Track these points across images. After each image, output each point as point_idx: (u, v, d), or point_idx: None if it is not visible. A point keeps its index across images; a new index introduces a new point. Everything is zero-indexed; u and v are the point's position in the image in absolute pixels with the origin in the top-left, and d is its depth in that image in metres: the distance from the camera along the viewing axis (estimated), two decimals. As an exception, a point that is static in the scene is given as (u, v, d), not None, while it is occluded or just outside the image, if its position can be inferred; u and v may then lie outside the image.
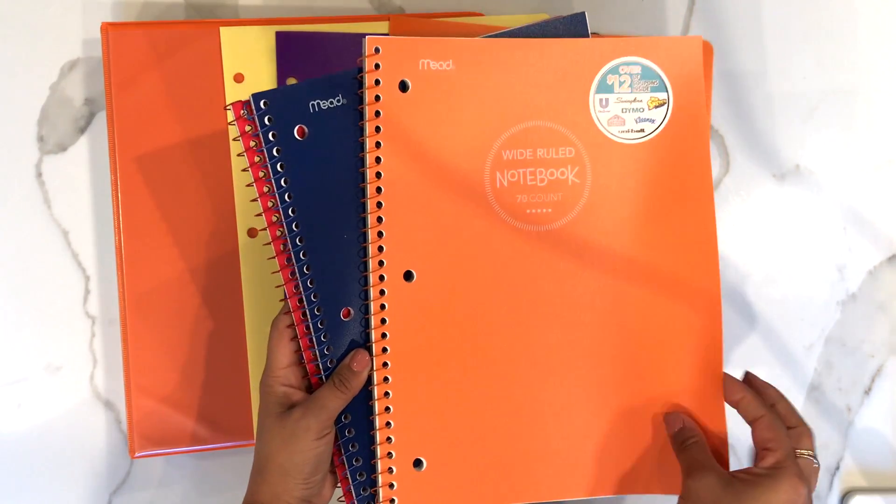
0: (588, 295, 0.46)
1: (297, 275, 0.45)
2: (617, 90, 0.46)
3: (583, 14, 0.47)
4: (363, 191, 0.45)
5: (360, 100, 0.45)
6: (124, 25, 0.54)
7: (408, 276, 0.46)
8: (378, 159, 0.45)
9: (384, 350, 0.46)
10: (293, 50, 0.55)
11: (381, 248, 0.45)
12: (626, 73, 0.46)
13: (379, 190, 0.45)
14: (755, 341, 0.58)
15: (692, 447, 0.46)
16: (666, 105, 0.46)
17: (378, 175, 0.45)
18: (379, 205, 0.45)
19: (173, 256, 0.54)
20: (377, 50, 0.44)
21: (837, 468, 0.58)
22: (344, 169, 0.45)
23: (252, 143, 0.44)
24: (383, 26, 0.55)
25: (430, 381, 0.46)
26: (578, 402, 0.47)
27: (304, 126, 0.44)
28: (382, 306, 0.46)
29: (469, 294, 0.46)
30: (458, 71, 0.45)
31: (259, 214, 0.45)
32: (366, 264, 0.45)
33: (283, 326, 0.46)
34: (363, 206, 0.45)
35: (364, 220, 0.45)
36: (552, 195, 0.46)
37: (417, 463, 0.47)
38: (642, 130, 0.46)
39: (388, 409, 0.46)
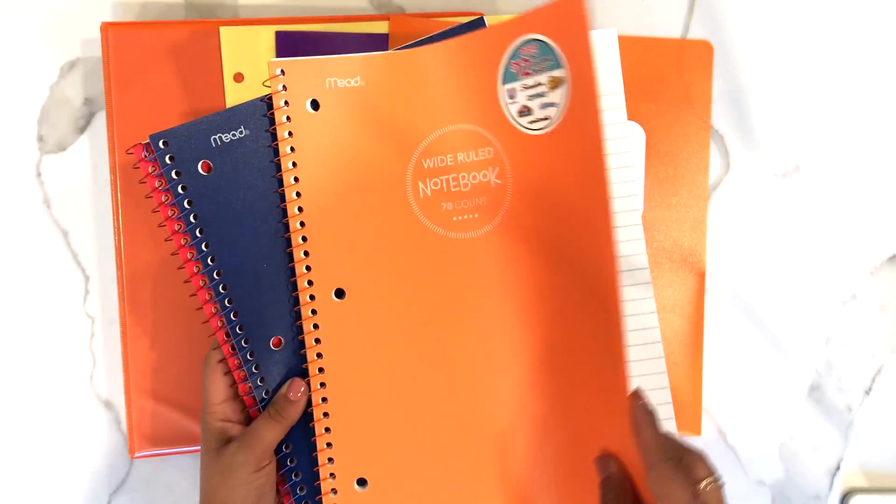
0: (516, 301, 0.44)
1: (220, 309, 0.45)
2: (521, 78, 0.43)
3: (481, 18, 0.46)
4: (283, 212, 0.45)
5: (265, 127, 0.45)
6: (124, 25, 0.54)
7: (339, 293, 0.45)
8: (295, 178, 0.44)
9: (320, 370, 0.45)
10: (293, 50, 0.55)
11: (307, 268, 0.44)
12: (526, 56, 0.42)
13: (300, 209, 0.44)
14: (755, 341, 0.58)
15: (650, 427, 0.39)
16: (564, 83, 0.42)
17: (297, 194, 0.44)
18: (301, 224, 0.44)
19: (173, 257, 0.54)
20: (282, 72, 0.44)
21: (837, 468, 0.58)
22: (254, 198, 0.45)
23: (157, 184, 0.45)
24: (383, 26, 0.55)
25: (368, 399, 0.45)
26: (512, 417, 0.45)
27: (208, 161, 0.45)
28: (315, 326, 0.45)
29: (401, 309, 0.45)
30: (367, 85, 0.44)
31: (174, 253, 0.45)
32: (294, 285, 0.45)
33: (215, 362, 0.46)
34: (284, 229, 0.45)
35: (288, 242, 0.45)
36: (477, 199, 0.44)
37: (361, 482, 0.46)
38: (548, 118, 0.42)
39: (327, 429, 0.46)
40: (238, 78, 0.55)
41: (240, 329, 0.45)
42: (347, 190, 0.44)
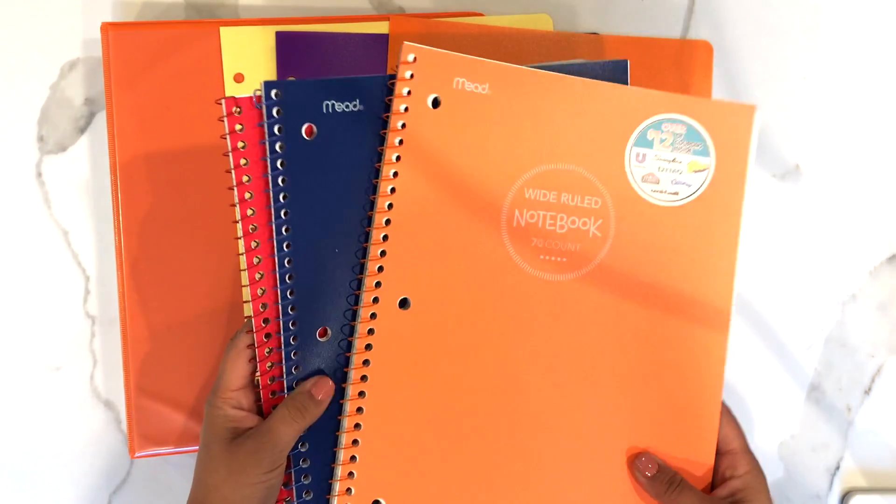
0: (590, 356, 0.43)
1: (279, 283, 0.42)
2: (657, 147, 0.43)
3: (625, 62, 0.44)
4: (370, 204, 0.42)
5: (383, 108, 0.42)
6: (124, 25, 0.54)
7: (403, 303, 0.43)
8: (394, 173, 0.42)
9: (363, 378, 0.42)
10: (293, 50, 0.55)
11: (380, 269, 0.42)
12: (668, 131, 0.43)
13: (389, 206, 0.42)
14: (755, 341, 0.58)
15: (684, 491, 0.42)
16: (706, 171, 0.43)
17: (391, 190, 0.42)
18: (387, 222, 0.42)
19: (173, 256, 0.54)
20: (413, 59, 0.42)
21: (837, 468, 0.58)
22: (349, 179, 0.42)
23: (240, 144, 0.42)
24: (383, 26, 0.55)
25: (407, 420, 0.43)
26: (567, 468, 0.44)
27: (313, 125, 0.42)
28: (370, 331, 0.42)
29: (464, 334, 0.43)
30: (494, 96, 0.42)
31: (235, 221, 0.42)
32: (360, 282, 0.42)
33: (243, 346, 0.43)
34: (367, 221, 0.42)
35: (367, 235, 0.43)
36: (570, 244, 0.43)
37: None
38: (676, 193, 0.43)
39: (355, 441, 0.43)
40: (238, 78, 0.55)
41: (291, 309, 0.42)
42: (443, 198, 0.42)
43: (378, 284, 0.42)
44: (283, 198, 0.42)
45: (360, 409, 0.43)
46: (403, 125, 0.42)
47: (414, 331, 0.42)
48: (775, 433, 0.58)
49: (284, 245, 0.42)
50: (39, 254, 0.56)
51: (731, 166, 0.43)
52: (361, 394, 0.43)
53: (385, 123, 0.42)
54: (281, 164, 0.42)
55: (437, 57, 0.42)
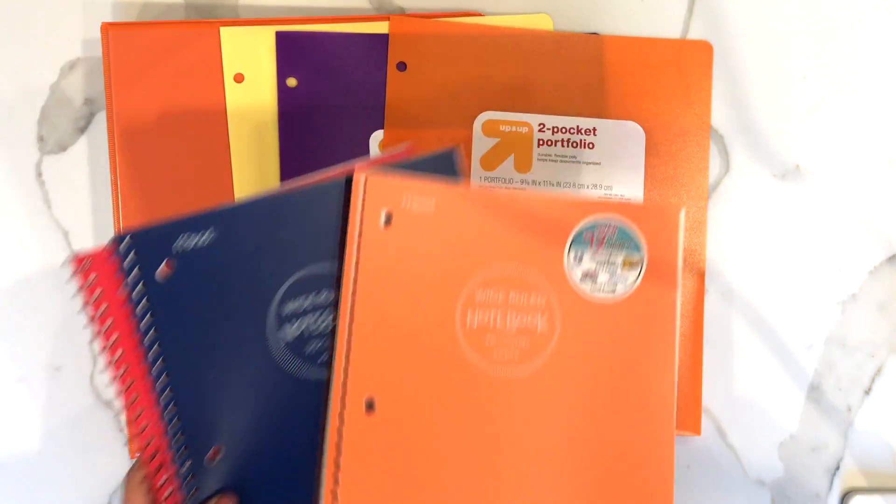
0: (548, 445, 0.45)
1: (162, 414, 0.42)
2: (592, 247, 0.46)
3: (452, 153, 0.47)
4: (260, 320, 0.44)
5: (239, 230, 0.43)
6: (124, 25, 0.54)
7: (369, 405, 0.44)
8: (354, 286, 0.45)
9: (336, 482, 0.44)
10: (293, 50, 0.55)
11: (345, 375, 0.44)
12: (602, 232, 0.46)
13: (351, 318, 0.44)
14: (755, 341, 0.58)
15: None
16: (639, 267, 0.46)
17: (352, 303, 0.44)
18: (349, 328, 0.44)
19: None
20: (364, 181, 0.45)
21: (837, 468, 0.58)
22: (218, 300, 0.43)
23: (97, 293, 0.42)
24: (383, 26, 0.56)
25: None
26: None
27: (169, 265, 0.42)
28: (340, 432, 0.44)
29: (428, 431, 0.45)
30: (438, 213, 0.45)
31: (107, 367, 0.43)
32: (326, 386, 0.44)
33: (137, 482, 0.43)
34: (257, 337, 0.44)
35: (258, 351, 0.44)
36: (521, 340, 0.45)
37: None
38: (613, 290, 0.46)
39: None
40: (238, 78, 0.55)
41: (180, 435, 0.43)
42: (398, 307, 0.45)
43: (345, 385, 0.44)
44: (153, 334, 0.42)
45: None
46: (359, 243, 0.45)
47: (381, 432, 0.44)
48: (775, 433, 0.58)
49: (162, 377, 0.42)
50: (40, 254, 0.56)
51: (663, 261, 0.46)
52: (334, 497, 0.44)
53: (255, 245, 0.43)
54: (144, 306, 0.42)
55: (385, 181, 0.45)
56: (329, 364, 0.44)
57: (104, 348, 0.42)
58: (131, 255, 0.42)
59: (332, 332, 0.45)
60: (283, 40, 0.55)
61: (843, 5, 0.59)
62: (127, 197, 0.54)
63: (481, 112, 0.56)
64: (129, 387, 0.43)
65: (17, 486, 0.55)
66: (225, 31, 0.54)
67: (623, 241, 0.46)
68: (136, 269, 0.42)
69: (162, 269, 0.42)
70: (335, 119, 0.55)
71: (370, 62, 0.55)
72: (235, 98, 0.55)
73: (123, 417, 0.56)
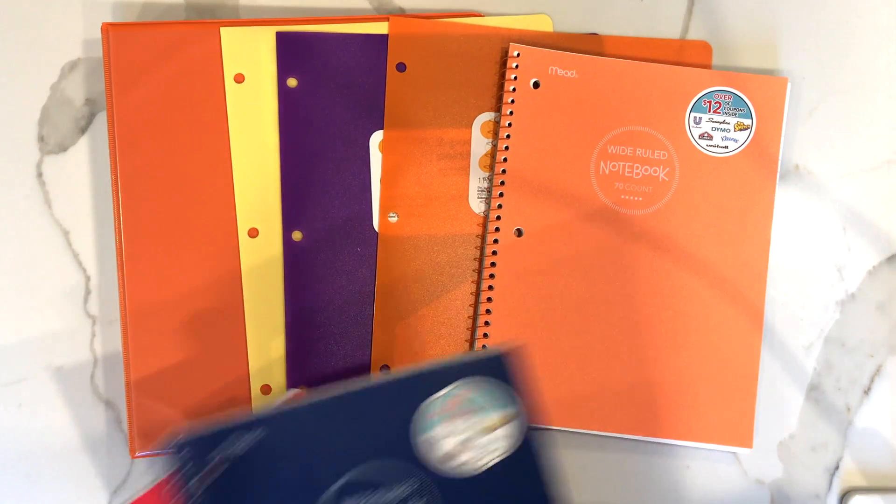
0: (661, 271, 0.56)
1: None
2: (709, 112, 0.56)
3: (499, 356, 0.48)
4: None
5: (283, 425, 0.46)
6: (125, 26, 0.54)
7: (518, 232, 0.55)
8: (507, 136, 0.55)
9: (490, 287, 0.55)
10: (293, 50, 0.55)
11: (499, 206, 0.55)
12: (718, 99, 0.56)
13: (504, 160, 0.55)
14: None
15: None
16: (749, 130, 0.56)
17: (506, 147, 0.55)
18: (503, 171, 0.55)
19: (174, 256, 0.54)
20: (517, 54, 0.55)
21: (837, 468, 0.58)
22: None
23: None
24: (383, 26, 0.56)
25: (527, 314, 0.55)
26: (640, 361, 0.55)
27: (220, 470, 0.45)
28: (494, 252, 0.55)
29: (565, 254, 0.55)
30: (580, 79, 0.55)
31: None
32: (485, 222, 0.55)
33: None
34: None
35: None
36: (644, 187, 0.55)
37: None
38: (726, 147, 0.56)
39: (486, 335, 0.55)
40: (238, 78, 0.55)
41: None
42: (545, 155, 0.55)
43: (498, 218, 0.55)
44: None
45: (489, 311, 0.55)
46: (513, 101, 0.55)
47: (527, 251, 0.55)
48: (774, 433, 0.58)
49: None
50: (40, 254, 0.56)
51: (769, 125, 0.56)
52: (489, 299, 0.55)
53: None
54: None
55: (535, 52, 0.55)
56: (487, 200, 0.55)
57: None
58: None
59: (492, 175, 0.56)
60: (283, 40, 0.55)
61: (843, 5, 0.59)
62: (127, 197, 0.54)
63: (481, 112, 0.56)
64: None
65: (17, 486, 0.55)
66: (225, 32, 0.54)
67: (736, 107, 0.56)
68: (187, 474, 0.44)
69: (207, 473, 0.44)
70: (335, 119, 0.55)
71: (370, 62, 0.55)
72: (235, 98, 0.55)
73: (124, 417, 0.56)
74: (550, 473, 0.46)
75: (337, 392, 0.46)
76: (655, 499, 0.57)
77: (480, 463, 0.45)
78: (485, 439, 0.45)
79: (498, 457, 0.45)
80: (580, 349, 0.55)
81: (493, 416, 0.46)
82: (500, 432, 0.46)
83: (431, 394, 0.46)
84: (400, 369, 0.50)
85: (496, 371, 0.47)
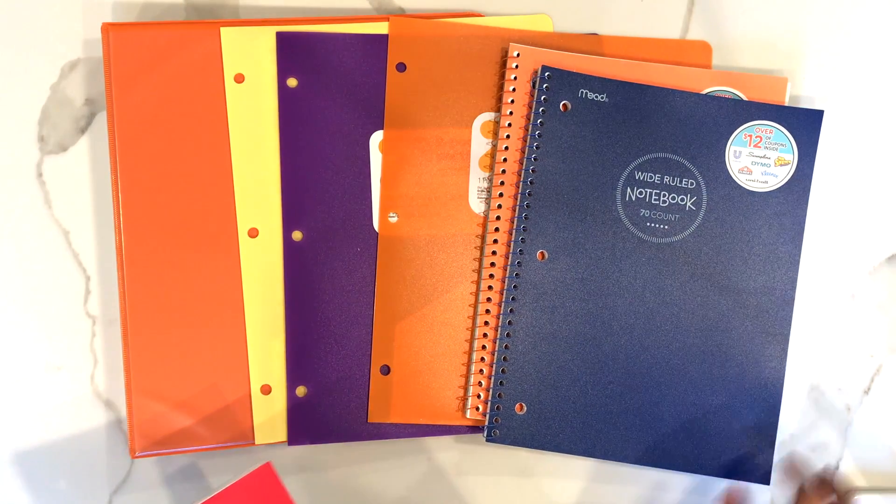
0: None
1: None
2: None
3: (816, 113, 0.56)
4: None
5: (626, 102, 0.55)
6: (125, 26, 0.54)
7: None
8: (507, 136, 0.55)
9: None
10: (294, 50, 0.55)
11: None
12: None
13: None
14: (755, 341, 0.58)
15: None
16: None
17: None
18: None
19: (174, 256, 0.54)
20: (517, 55, 0.56)
21: (837, 468, 0.58)
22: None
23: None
24: (383, 26, 0.56)
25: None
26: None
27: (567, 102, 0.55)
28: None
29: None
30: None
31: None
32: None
33: None
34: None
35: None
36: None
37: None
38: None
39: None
40: (238, 78, 0.55)
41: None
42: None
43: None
44: (536, 148, 0.55)
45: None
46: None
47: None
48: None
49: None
50: (40, 254, 0.56)
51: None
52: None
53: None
54: (539, 125, 0.56)
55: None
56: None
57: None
58: (545, 85, 0.55)
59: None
60: (283, 40, 0.55)
61: (844, 5, 0.59)
62: (127, 197, 0.54)
63: (481, 112, 0.56)
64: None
65: (17, 486, 0.55)
66: (225, 32, 0.54)
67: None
68: (545, 96, 0.55)
69: (563, 105, 0.55)
70: (335, 119, 0.55)
71: (370, 62, 0.55)
72: (235, 98, 0.55)
73: (124, 417, 0.56)
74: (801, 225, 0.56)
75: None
76: (651, 488, 0.57)
77: (765, 185, 0.55)
78: (774, 168, 0.55)
79: (777, 184, 0.55)
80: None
81: (785, 156, 0.55)
82: (786, 169, 0.55)
83: (749, 120, 0.55)
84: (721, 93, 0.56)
85: (806, 124, 0.56)
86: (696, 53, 0.58)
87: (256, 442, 0.54)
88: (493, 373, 0.54)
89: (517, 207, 0.55)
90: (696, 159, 0.55)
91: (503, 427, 0.54)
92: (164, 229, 0.54)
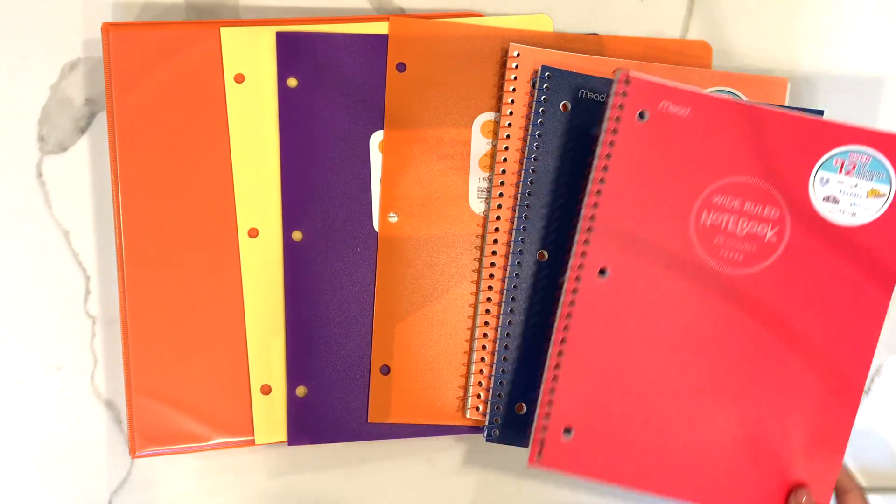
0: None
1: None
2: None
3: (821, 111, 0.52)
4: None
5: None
6: (125, 26, 0.54)
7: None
8: (507, 136, 0.54)
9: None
10: (293, 50, 0.55)
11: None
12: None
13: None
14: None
15: None
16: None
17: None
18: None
19: (174, 256, 0.54)
20: (517, 55, 0.55)
21: (837, 468, 0.58)
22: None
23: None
24: (383, 26, 0.56)
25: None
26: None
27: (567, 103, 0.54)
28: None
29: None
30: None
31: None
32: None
33: None
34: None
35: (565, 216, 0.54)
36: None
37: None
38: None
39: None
40: (239, 78, 0.55)
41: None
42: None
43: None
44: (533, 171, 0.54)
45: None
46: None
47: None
48: (775, 433, 0.58)
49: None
50: (40, 254, 0.56)
51: None
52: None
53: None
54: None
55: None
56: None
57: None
58: (546, 85, 0.54)
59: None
60: (283, 40, 0.55)
61: (844, 5, 0.59)
62: (127, 197, 0.54)
63: (481, 112, 0.56)
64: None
65: (17, 486, 0.55)
66: (225, 32, 0.54)
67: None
68: (545, 96, 0.54)
69: (563, 105, 0.54)
70: (335, 119, 0.55)
71: (370, 62, 0.55)
72: (235, 98, 0.55)
73: (125, 416, 0.56)
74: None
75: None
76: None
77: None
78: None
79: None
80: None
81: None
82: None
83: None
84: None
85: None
86: (696, 53, 0.58)
87: (256, 442, 0.54)
88: (493, 373, 0.54)
89: (517, 207, 0.54)
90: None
91: (503, 427, 0.54)
92: (164, 229, 0.54)
